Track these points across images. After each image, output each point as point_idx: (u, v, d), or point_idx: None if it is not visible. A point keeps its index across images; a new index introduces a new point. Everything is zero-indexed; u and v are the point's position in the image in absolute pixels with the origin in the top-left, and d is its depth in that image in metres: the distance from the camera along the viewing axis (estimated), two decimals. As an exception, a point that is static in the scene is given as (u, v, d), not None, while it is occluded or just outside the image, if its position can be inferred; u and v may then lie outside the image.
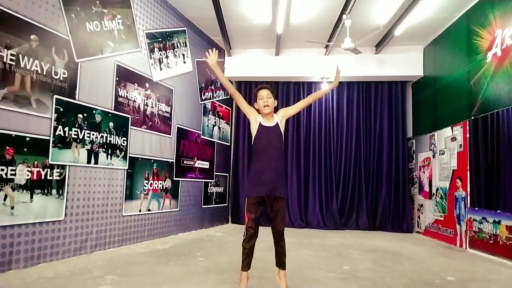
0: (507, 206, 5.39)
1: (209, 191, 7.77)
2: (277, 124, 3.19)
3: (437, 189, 7.13)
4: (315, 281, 3.72)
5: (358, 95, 8.79)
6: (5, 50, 3.63)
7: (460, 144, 6.32)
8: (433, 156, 7.36)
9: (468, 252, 5.84)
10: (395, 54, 8.04)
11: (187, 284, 3.51)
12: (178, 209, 6.58)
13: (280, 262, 3.24)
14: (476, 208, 5.83)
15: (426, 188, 7.65)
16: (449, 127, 6.68)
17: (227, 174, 8.77)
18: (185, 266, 4.25)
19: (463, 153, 6.22)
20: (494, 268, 4.68)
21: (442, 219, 6.90)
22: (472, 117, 5.99)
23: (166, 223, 6.24)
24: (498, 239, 5.21)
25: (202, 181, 7.51)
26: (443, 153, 6.94)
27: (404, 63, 8.04)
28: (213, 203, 7.96)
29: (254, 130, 3.19)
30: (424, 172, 7.81)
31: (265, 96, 3.16)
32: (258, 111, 3.24)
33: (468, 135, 6.11)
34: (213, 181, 7.97)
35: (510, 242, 4.96)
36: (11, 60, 3.68)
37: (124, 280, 3.56)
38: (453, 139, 6.55)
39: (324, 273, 4.11)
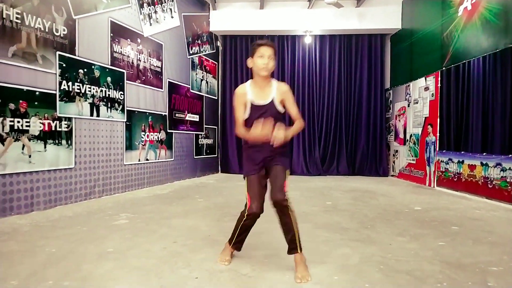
0: (470, 148, 6.08)
1: (199, 143, 8.22)
2: (272, 101, 2.43)
3: (411, 136, 7.78)
4: (303, 213, 4.31)
5: (340, 48, 9.14)
6: (11, 8, 3.83)
7: (432, 93, 6.88)
8: (408, 106, 7.94)
9: (435, 189, 6.58)
10: (375, 7, 8.34)
11: (192, 218, 4.04)
12: (172, 159, 7.04)
13: (288, 244, 2.43)
14: (444, 151, 6.51)
15: (401, 135, 8.31)
16: (423, 78, 7.21)
17: (216, 127, 9.20)
18: (187, 205, 4.78)
19: (435, 102, 6.80)
20: (456, 200, 5.40)
21: (414, 162, 7.61)
22: (444, 68, 6.50)
23: (162, 171, 6.71)
24: (461, 177, 5.92)
25: (193, 133, 7.93)
26: (417, 102, 7.51)
27: (384, 17, 8.37)
28: (204, 154, 8.44)
29: (245, 108, 2.46)
30: (399, 120, 8.43)
31: (266, 56, 2.37)
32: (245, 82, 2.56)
33: (439, 85, 6.65)
34: (203, 133, 8.40)
35: (471, 178, 5.68)
36: (16, 18, 3.89)
37: (136, 216, 4.07)
38: (426, 88, 7.10)
39: (310, 207, 4.72)
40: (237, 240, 2.56)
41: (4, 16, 3.76)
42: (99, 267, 2.45)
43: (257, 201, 2.41)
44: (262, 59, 2.37)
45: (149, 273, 2.36)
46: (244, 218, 2.46)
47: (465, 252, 2.85)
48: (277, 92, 2.45)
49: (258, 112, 2.40)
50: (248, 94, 2.44)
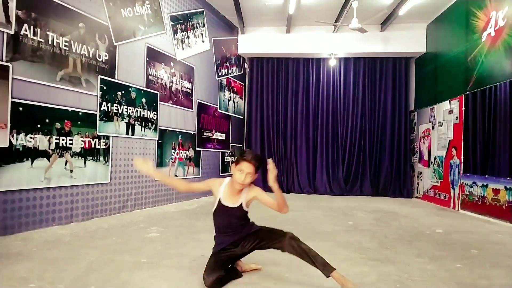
0: (494, 172, 6.07)
1: (225, 160, 8.50)
2: (240, 205, 2.59)
3: (435, 158, 7.79)
4: (324, 232, 4.46)
5: (364, 71, 9.31)
6: (60, 37, 4.26)
7: (456, 117, 6.92)
8: (432, 128, 7.98)
9: (459, 212, 6.56)
10: (400, 31, 8.51)
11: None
12: (200, 176, 7.33)
13: (322, 266, 2.42)
14: (468, 174, 6.50)
15: (425, 157, 8.31)
16: (447, 101, 7.27)
17: (241, 145, 9.48)
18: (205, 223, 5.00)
19: (459, 125, 6.83)
20: (479, 224, 5.40)
21: (438, 184, 7.60)
22: (468, 92, 6.56)
23: (190, 188, 6.99)
24: (485, 201, 5.91)
25: (220, 151, 8.23)
26: (441, 124, 7.55)
27: (408, 40, 8.52)
28: (229, 171, 8.69)
29: (214, 200, 2.66)
30: (424, 142, 8.45)
31: (245, 172, 2.49)
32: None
33: (463, 108, 6.70)
34: (229, 151, 8.69)
35: (495, 202, 5.66)
36: (65, 46, 4.31)
37: (167, 230, 4.33)
38: (451, 112, 7.14)
39: (332, 226, 4.86)
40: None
41: (55, 44, 4.18)
42: (135, 276, 2.70)
43: (208, 274, 2.47)
44: (241, 174, 2.50)
45: (180, 283, 2.58)
46: None
47: (481, 275, 2.93)
48: (247, 197, 2.61)
49: (223, 212, 2.62)
50: (220, 191, 2.63)
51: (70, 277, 2.63)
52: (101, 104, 4.85)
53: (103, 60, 4.88)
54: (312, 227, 4.74)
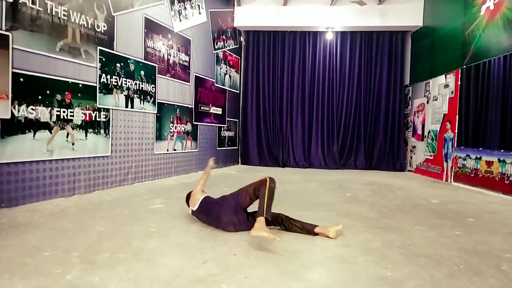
0: (488, 144, 6.21)
1: (222, 135, 8.52)
2: None
3: (429, 132, 7.92)
4: (325, 203, 4.56)
5: (360, 45, 9.27)
6: (59, 6, 4.15)
7: (452, 91, 7.00)
8: (427, 102, 8.06)
9: (452, 184, 6.74)
10: (397, 4, 8.44)
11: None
12: (197, 150, 7.35)
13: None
14: (462, 147, 6.64)
15: (419, 131, 8.44)
16: (443, 75, 7.32)
17: (237, 120, 9.47)
18: (215, 193, 5.03)
19: (454, 99, 6.92)
20: (473, 195, 5.56)
21: (432, 158, 7.75)
22: (464, 66, 6.61)
23: (188, 161, 7.03)
24: (478, 173, 6.07)
25: (216, 126, 8.23)
26: (436, 99, 7.63)
27: (405, 14, 8.46)
28: (226, 146, 8.74)
29: None
30: (418, 116, 8.55)
31: None
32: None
33: (459, 82, 6.77)
34: (226, 126, 8.70)
35: (488, 174, 5.82)
36: (64, 15, 4.21)
37: (170, 201, 4.38)
38: (446, 86, 7.21)
39: (331, 197, 4.97)
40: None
41: (53, 13, 4.08)
42: (147, 243, 2.75)
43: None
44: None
45: (192, 249, 2.65)
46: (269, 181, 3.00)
47: (480, 241, 3.06)
48: None
49: None
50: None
51: (83, 245, 2.67)
52: (100, 76, 4.78)
53: (102, 31, 4.78)
54: (312, 198, 4.84)
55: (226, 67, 8.65)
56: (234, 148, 9.32)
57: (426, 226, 3.53)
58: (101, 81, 4.80)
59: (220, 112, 8.38)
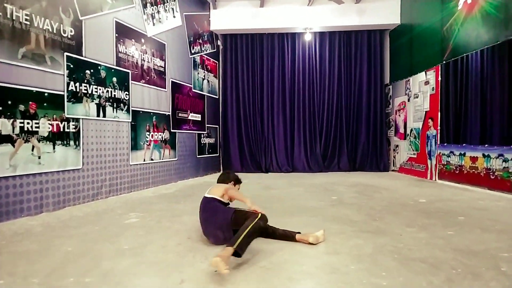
0: (471, 140, 6.16)
1: (202, 142, 8.26)
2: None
3: (411, 130, 7.85)
4: (311, 207, 4.36)
5: (339, 44, 9.19)
6: (20, 10, 3.85)
7: (433, 87, 6.94)
8: (408, 100, 8.01)
9: (437, 182, 6.65)
10: (374, 3, 8.40)
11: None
12: (176, 159, 7.07)
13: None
14: (445, 144, 6.57)
15: (401, 130, 8.37)
16: (423, 72, 7.27)
17: (217, 126, 9.23)
18: (195, 203, 4.77)
19: (435, 95, 6.86)
20: (458, 192, 5.47)
21: (415, 156, 7.68)
22: (444, 61, 6.57)
23: (167, 171, 6.75)
24: (463, 169, 6.00)
25: (196, 133, 7.96)
26: (417, 96, 7.58)
27: (383, 12, 8.43)
28: (206, 153, 8.48)
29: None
30: (399, 115, 8.49)
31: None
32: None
33: (440, 78, 6.72)
34: (205, 132, 8.44)
35: (473, 170, 5.75)
36: (26, 20, 3.92)
37: (146, 215, 4.10)
38: (427, 83, 7.16)
39: (317, 202, 4.78)
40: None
41: (14, 17, 3.79)
42: (118, 264, 2.49)
43: None
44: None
45: (169, 267, 2.41)
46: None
47: (474, 240, 2.91)
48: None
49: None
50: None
51: (45, 270, 2.40)
52: (68, 84, 4.48)
53: (69, 36, 4.49)
54: (297, 204, 4.64)
55: (204, 72, 8.42)
56: (215, 155, 9.06)
57: (416, 227, 3.37)
58: (69, 89, 4.50)
59: (199, 119, 8.13)
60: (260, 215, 2.72)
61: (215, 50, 8.96)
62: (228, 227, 2.79)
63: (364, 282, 2.11)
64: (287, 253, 2.65)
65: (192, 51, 7.85)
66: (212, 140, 8.83)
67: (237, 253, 2.38)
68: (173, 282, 2.15)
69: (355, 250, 2.70)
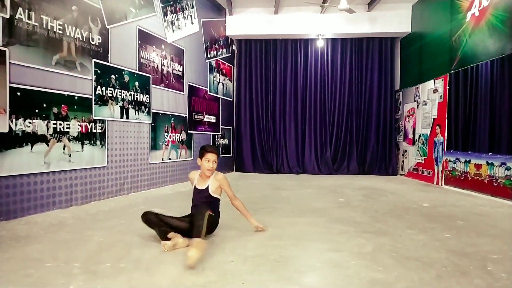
0: (477, 148, 6.36)
1: (216, 143, 8.60)
2: (207, 187, 3.29)
3: (420, 136, 8.07)
4: (318, 209, 4.66)
5: (351, 51, 9.45)
6: (54, 20, 4.23)
7: (441, 95, 7.16)
8: (417, 107, 8.23)
9: (443, 188, 6.87)
10: (386, 11, 8.63)
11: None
12: (192, 158, 7.42)
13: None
14: (451, 151, 6.79)
15: (410, 136, 8.59)
16: (432, 80, 7.49)
17: (231, 128, 9.57)
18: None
19: (443, 103, 7.08)
20: (463, 198, 5.70)
21: (423, 162, 7.90)
22: (452, 71, 6.78)
23: (183, 170, 7.10)
24: (468, 176, 6.21)
25: (210, 134, 8.32)
26: (426, 103, 7.80)
27: (394, 21, 8.66)
28: (220, 154, 8.82)
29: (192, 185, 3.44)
30: (408, 121, 8.71)
31: (212, 161, 3.24)
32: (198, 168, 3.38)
33: (448, 87, 6.94)
34: (220, 133, 8.79)
35: (477, 177, 5.97)
36: (59, 29, 4.29)
37: (167, 211, 4.36)
38: (435, 91, 7.38)
39: (324, 203, 5.06)
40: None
41: (49, 27, 4.16)
42: (146, 253, 2.82)
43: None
44: (208, 163, 3.26)
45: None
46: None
47: (468, 243, 3.17)
48: (214, 184, 3.32)
49: (196, 193, 3.38)
50: (194, 179, 3.44)
51: (83, 256, 2.74)
52: (95, 88, 4.86)
53: (97, 44, 4.86)
54: (305, 205, 4.94)
55: (219, 76, 8.76)
56: (229, 156, 9.40)
57: (416, 229, 3.63)
58: (97, 93, 4.88)
59: (214, 120, 8.48)
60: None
61: (230, 54, 9.30)
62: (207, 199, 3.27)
63: (362, 276, 2.40)
64: (296, 249, 2.95)
65: (209, 56, 8.20)
66: (226, 141, 9.17)
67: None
68: (196, 269, 2.47)
69: (357, 248, 2.99)
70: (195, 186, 3.39)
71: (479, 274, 2.46)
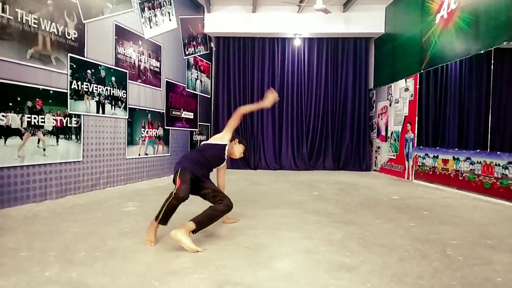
0: (444, 144, 6.65)
1: (194, 139, 8.64)
2: (225, 149, 3.51)
3: (392, 133, 8.35)
4: (294, 201, 4.79)
5: (327, 50, 9.66)
6: (29, 14, 4.20)
7: (412, 94, 7.44)
8: (390, 105, 8.50)
9: (413, 182, 7.15)
10: (361, 12, 8.87)
11: (195, 205, 4.47)
12: (169, 154, 7.44)
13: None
14: (421, 147, 7.07)
15: (383, 133, 8.87)
16: (403, 79, 7.76)
17: (208, 124, 9.62)
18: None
19: (414, 102, 7.36)
20: (430, 191, 5.96)
21: (395, 157, 8.18)
22: (422, 70, 7.06)
23: (160, 166, 7.12)
24: (436, 170, 6.49)
25: (188, 130, 8.35)
26: (397, 102, 8.07)
27: (368, 21, 8.91)
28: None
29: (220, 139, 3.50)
30: (382, 118, 8.99)
31: (242, 153, 3.73)
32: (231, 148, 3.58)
33: (418, 86, 7.21)
34: (197, 130, 8.83)
35: (444, 171, 6.24)
36: (34, 23, 4.26)
37: (143, 204, 4.48)
38: (406, 89, 7.65)
39: (300, 196, 5.21)
40: (163, 217, 2.95)
41: (24, 21, 4.13)
42: (122, 242, 2.88)
43: (184, 186, 2.99)
44: (241, 154, 3.66)
45: (166, 246, 2.80)
46: (172, 197, 2.94)
47: (431, 231, 3.37)
48: (231, 152, 3.61)
49: (209, 147, 3.49)
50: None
51: (59, 246, 2.77)
52: (71, 83, 4.84)
53: (72, 38, 4.84)
54: (281, 198, 5.07)
55: (197, 72, 8.80)
56: (206, 152, 9.43)
57: (384, 219, 3.81)
58: (72, 87, 4.85)
59: (192, 117, 8.51)
60: (226, 206, 3.02)
61: (208, 51, 9.35)
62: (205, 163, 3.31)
63: (330, 260, 2.53)
64: (269, 237, 3.07)
65: (186, 53, 8.22)
66: (203, 138, 9.21)
67: (194, 231, 2.80)
68: (170, 257, 2.55)
69: (327, 236, 3.13)
70: (208, 142, 3.53)
71: (438, 257, 2.63)
